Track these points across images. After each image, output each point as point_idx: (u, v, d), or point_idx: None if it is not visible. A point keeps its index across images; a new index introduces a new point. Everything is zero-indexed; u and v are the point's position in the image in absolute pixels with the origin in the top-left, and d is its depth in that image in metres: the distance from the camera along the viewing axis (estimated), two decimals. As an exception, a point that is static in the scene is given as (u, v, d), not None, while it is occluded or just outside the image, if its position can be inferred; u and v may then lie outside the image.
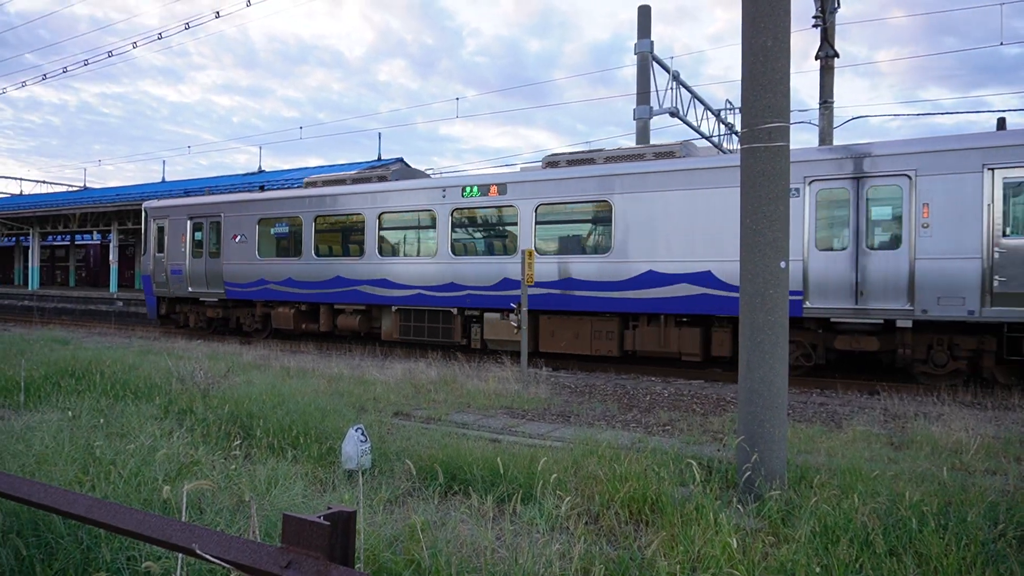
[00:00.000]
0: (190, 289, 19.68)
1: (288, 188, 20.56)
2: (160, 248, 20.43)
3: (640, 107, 17.06)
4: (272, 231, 18.36)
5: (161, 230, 20.43)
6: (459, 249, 15.51)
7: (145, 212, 21.03)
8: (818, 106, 16.71)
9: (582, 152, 14.63)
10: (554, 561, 3.64)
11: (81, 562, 3.61)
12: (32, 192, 45.81)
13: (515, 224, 14.77)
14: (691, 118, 18.28)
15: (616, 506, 4.88)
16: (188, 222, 19.85)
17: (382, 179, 17.01)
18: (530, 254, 12.28)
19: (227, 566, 1.57)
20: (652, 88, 16.98)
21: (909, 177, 11.33)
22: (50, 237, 43.46)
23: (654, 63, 17.25)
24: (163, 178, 39.56)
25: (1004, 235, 10.74)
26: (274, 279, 18.08)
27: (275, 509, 4.09)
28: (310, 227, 17.50)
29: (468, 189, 15.32)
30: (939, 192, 11.14)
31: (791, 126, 5.70)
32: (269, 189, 20.72)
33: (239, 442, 6.36)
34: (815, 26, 16.02)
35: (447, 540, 3.65)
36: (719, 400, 10.62)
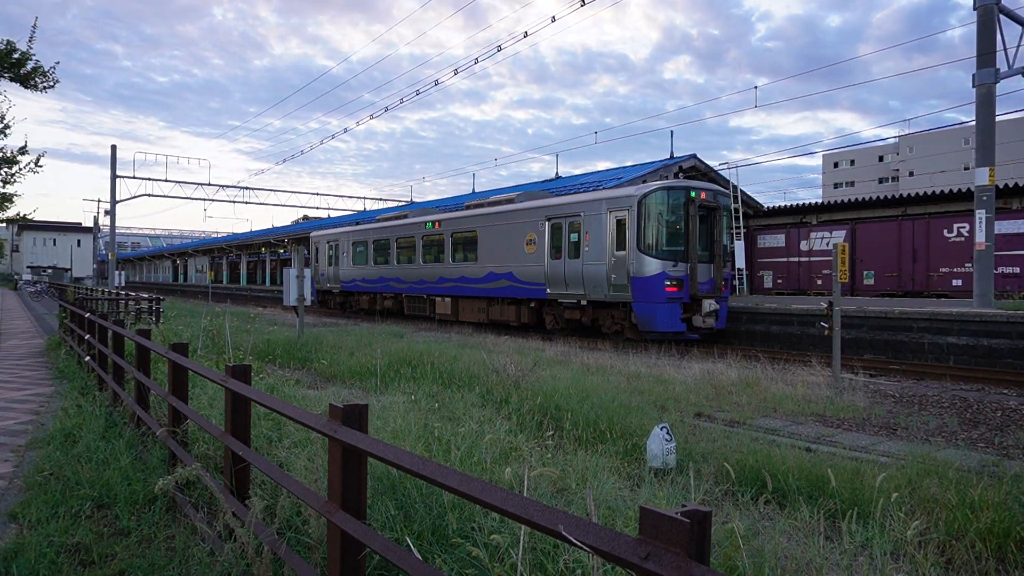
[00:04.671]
0: (328, 285, 32.02)
1: (370, 222, 31.03)
2: (316, 260, 33.54)
3: (982, 71, 14.46)
4: (357, 249, 30.15)
5: (318, 249, 33.47)
6: (427, 260, 25.29)
7: (310, 238, 34.90)
8: None
9: (479, 200, 24.05)
10: (897, 591, 3.25)
11: (431, 527, 4.14)
12: (371, 208, 54.08)
13: (443, 245, 24.23)
14: (1053, 77, 15.04)
15: (970, 537, 4.20)
16: (326, 243, 32.67)
17: (404, 216, 28.04)
18: (843, 249, 11.19)
19: (588, 550, 1.66)
20: (999, 46, 14.31)
21: (581, 216, 18.30)
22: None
23: (1000, 15, 14.54)
24: (473, 189, 43.84)
25: (616, 250, 17.25)
26: (357, 278, 30.05)
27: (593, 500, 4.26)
28: (371, 247, 29.06)
29: (429, 224, 25.18)
30: (591, 225, 17.95)
31: None
32: (362, 223, 32.54)
33: (551, 432, 6.76)
34: None
35: (772, 551, 3.46)
36: (1104, 422, 8.57)
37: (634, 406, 8.15)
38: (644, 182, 21.23)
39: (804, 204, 29.14)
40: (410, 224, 26.45)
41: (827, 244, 24.80)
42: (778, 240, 26.70)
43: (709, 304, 16.88)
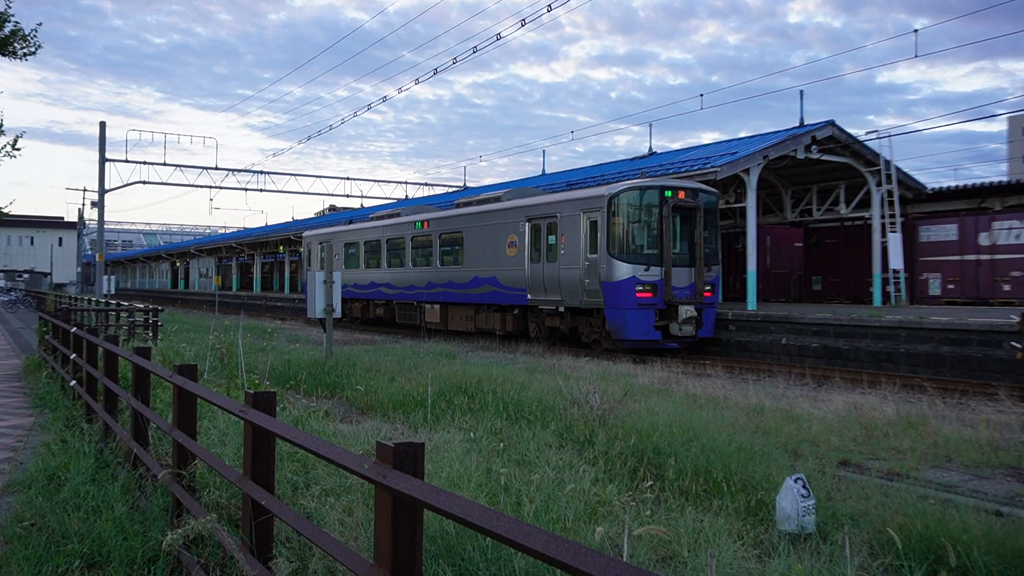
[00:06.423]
0: None
1: (364, 221, 34.30)
2: (309, 262, 37.36)
3: None
4: (349, 251, 33.22)
5: (310, 251, 37.36)
6: (417, 263, 28.10)
7: (303, 238, 39.51)
8: None
9: (468, 198, 26.91)
10: None
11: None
12: (416, 195, 54.95)
13: (432, 247, 26.99)
14: None
15: None
16: (318, 245, 36.20)
17: (397, 215, 31.02)
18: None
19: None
20: None
21: (558, 217, 21.09)
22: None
23: None
24: (543, 170, 44.02)
25: (589, 253, 19.91)
26: (349, 284, 31.50)
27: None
28: (361, 248, 32.15)
29: (418, 224, 27.95)
30: (567, 227, 20.68)
31: None
32: (355, 221, 35.98)
33: (649, 483, 6.70)
34: None
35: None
36: None
37: (758, 450, 8.01)
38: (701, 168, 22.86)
39: (983, 184, 28.14)
40: (400, 224, 29.43)
41: (1017, 237, 23.80)
42: (948, 232, 25.83)
43: (686, 311, 19.13)
